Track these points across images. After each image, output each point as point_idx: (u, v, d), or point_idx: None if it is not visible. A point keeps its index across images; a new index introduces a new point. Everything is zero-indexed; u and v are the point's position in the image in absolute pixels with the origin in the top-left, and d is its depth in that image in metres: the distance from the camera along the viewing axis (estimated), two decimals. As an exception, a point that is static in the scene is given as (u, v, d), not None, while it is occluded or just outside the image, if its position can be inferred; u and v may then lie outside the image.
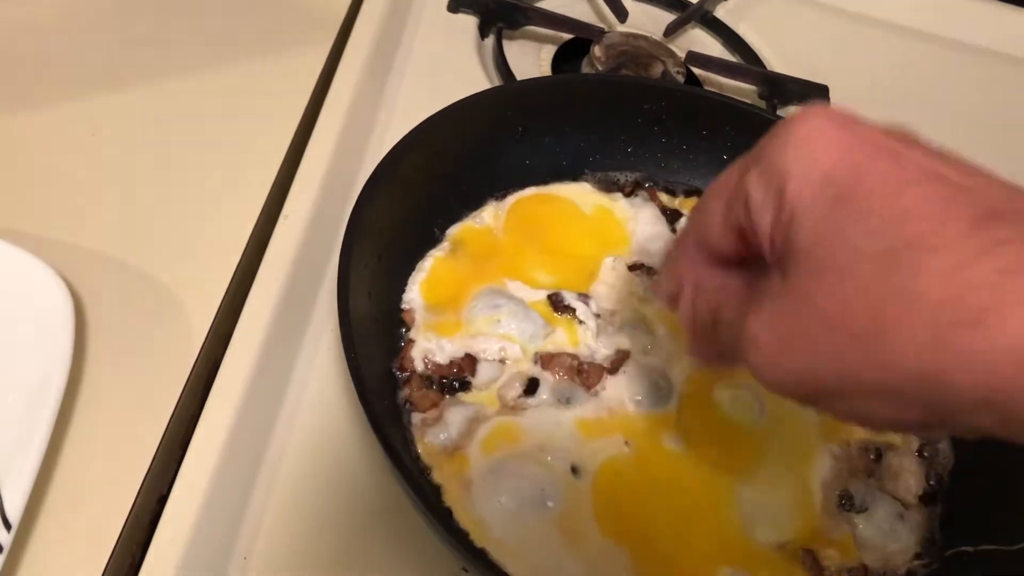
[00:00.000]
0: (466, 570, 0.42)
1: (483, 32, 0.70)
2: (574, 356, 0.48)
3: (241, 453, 0.44)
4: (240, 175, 0.56)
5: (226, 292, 0.51)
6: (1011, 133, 0.77)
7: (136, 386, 0.46)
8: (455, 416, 0.44)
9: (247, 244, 0.53)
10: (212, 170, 0.57)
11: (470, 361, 0.46)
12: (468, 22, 0.71)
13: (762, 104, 0.71)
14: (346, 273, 0.42)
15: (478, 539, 0.40)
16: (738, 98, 0.62)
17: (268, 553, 0.42)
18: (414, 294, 0.49)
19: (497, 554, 0.40)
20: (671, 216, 0.56)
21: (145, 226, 0.53)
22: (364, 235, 0.44)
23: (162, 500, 0.42)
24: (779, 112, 0.70)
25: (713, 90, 0.70)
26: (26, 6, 0.63)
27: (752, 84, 0.72)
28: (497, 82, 0.67)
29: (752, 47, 0.75)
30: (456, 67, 0.68)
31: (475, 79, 0.67)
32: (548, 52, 0.72)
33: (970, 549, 0.44)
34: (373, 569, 0.42)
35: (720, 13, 0.79)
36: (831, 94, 0.72)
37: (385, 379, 0.45)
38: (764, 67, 0.74)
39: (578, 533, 0.42)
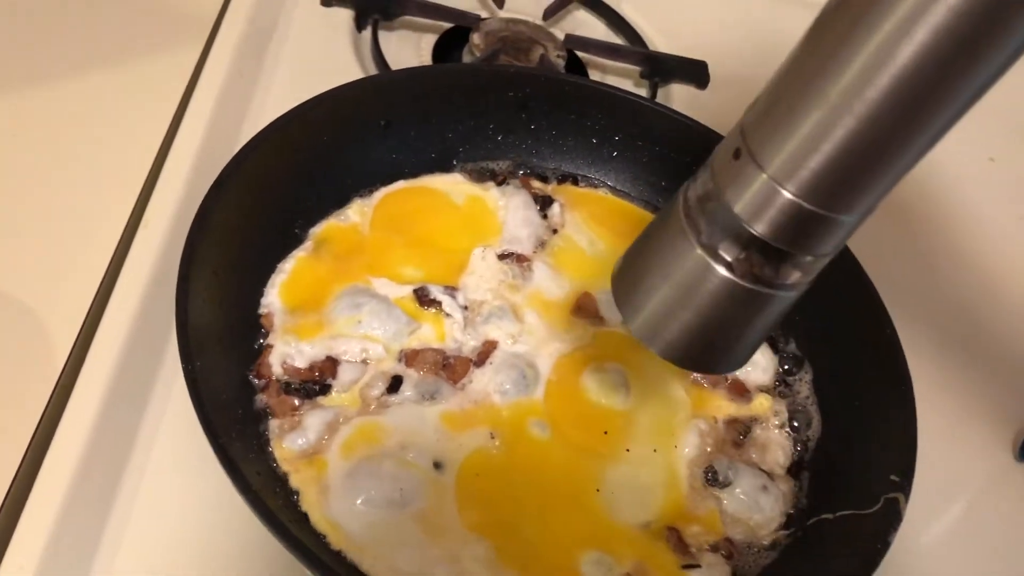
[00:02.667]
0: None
1: (359, 25, 0.70)
2: (439, 351, 0.48)
3: (97, 466, 0.43)
4: (107, 185, 0.55)
5: (88, 312, 0.49)
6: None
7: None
8: (314, 420, 0.44)
9: (110, 261, 0.52)
10: (77, 181, 0.55)
11: (331, 364, 0.46)
12: (343, 16, 0.70)
13: (644, 83, 0.71)
14: (185, 284, 0.41)
15: (335, 542, 0.40)
16: (600, 82, 0.62)
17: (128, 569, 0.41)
18: (272, 297, 0.48)
19: (355, 556, 0.40)
20: (543, 202, 0.56)
21: (7, 246, 0.52)
22: (211, 239, 0.44)
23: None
24: (659, 90, 0.70)
25: (577, 76, 0.70)
26: None
27: (633, 64, 0.72)
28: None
29: (634, 26, 0.75)
30: (331, 63, 0.67)
31: (351, 75, 0.65)
32: (428, 42, 0.71)
33: (830, 516, 0.45)
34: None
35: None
36: (710, 69, 0.72)
37: (241, 387, 0.44)
38: (646, 46, 0.74)
39: (440, 528, 0.42)
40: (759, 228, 0.32)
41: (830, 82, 0.28)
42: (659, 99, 0.70)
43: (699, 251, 0.33)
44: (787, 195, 0.30)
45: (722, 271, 0.33)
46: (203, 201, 0.44)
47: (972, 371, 0.59)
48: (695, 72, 0.72)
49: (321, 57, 0.67)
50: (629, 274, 0.37)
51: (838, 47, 0.28)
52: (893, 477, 0.43)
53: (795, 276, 0.33)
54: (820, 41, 0.29)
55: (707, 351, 0.37)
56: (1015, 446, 0.56)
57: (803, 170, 0.30)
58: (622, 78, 0.72)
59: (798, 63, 0.30)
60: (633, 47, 0.73)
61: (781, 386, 0.52)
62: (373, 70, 0.66)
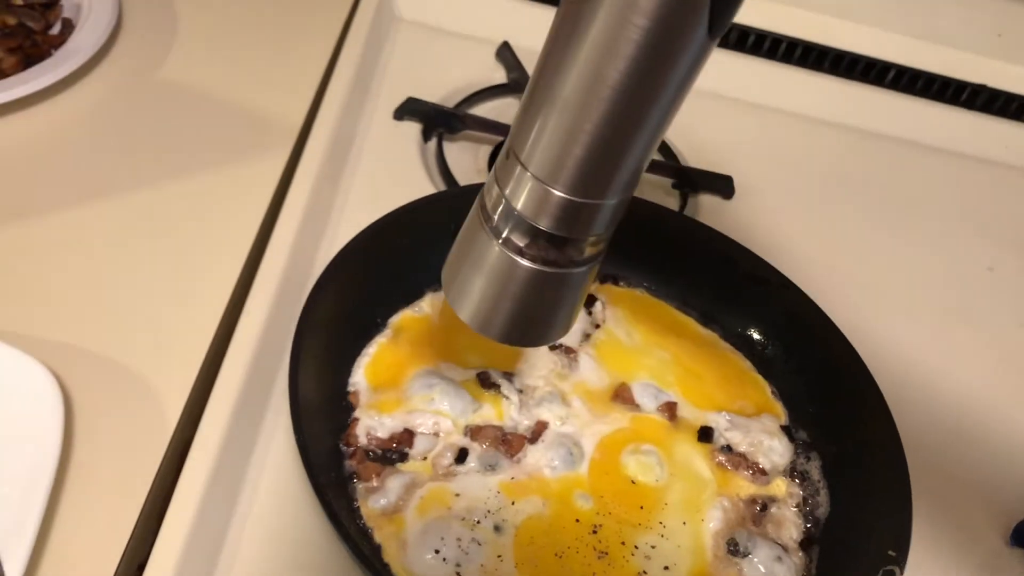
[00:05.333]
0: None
1: (426, 137, 0.79)
2: (499, 428, 0.55)
3: (210, 523, 0.50)
4: (207, 275, 0.63)
5: (195, 381, 0.57)
6: (905, 213, 0.87)
7: (117, 466, 0.52)
8: (394, 484, 0.51)
9: (213, 337, 0.60)
10: (182, 271, 0.63)
11: (408, 435, 0.54)
12: (412, 128, 0.80)
13: (675, 193, 0.80)
14: (296, 366, 0.49)
15: (414, 590, 0.47)
16: (637, 197, 0.71)
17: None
18: (359, 377, 0.56)
19: (430, 604, 0.47)
20: (587, 300, 0.65)
21: (124, 323, 0.59)
22: (312, 331, 0.52)
23: (141, 567, 0.49)
24: (689, 199, 0.79)
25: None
26: (10, 130, 0.70)
27: (665, 176, 0.81)
28: (439, 182, 0.75)
29: (666, 141, 0.85)
30: (402, 169, 0.76)
31: (419, 179, 0.75)
32: (485, 152, 0.81)
33: (836, 584, 0.51)
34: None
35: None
36: (735, 183, 0.81)
37: (333, 454, 0.52)
38: (677, 160, 0.83)
39: (500, 582, 0.49)
40: (542, 223, 0.37)
41: (562, 92, 0.33)
42: (688, 207, 0.78)
43: (498, 247, 0.39)
44: (556, 193, 0.36)
45: (523, 262, 0.38)
46: (308, 296, 0.53)
47: (967, 462, 0.66)
48: (721, 185, 0.81)
49: (393, 164, 0.76)
50: (454, 275, 0.43)
51: (561, 64, 0.33)
52: (891, 552, 0.50)
53: (585, 253, 0.39)
54: (548, 60, 0.34)
55: (533, 328, 0.43)
56: (1007, 531, 0.63)
57: (563, 169, 0.35)
58: (655, 188, 0.81)
59: (537, 77, 0.35)
60: (666, 161, 0.83)
61: (795, 471, 0.59)
62: (437, 176, 0.76)
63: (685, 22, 0.30)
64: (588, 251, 0.39)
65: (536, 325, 0.43)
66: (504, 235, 0.39)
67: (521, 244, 0.38)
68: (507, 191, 0.37)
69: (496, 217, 0.39)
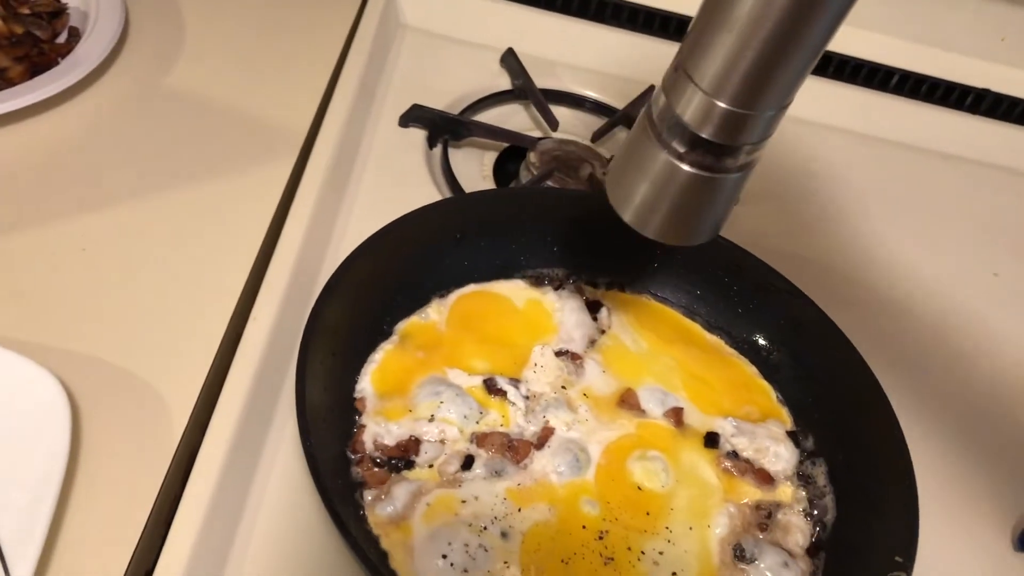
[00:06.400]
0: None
1: (431, 143, 0.79)
2: (505, 435, 0.56)
3: (217, 530, 0.50)
4: (213, 282, 0.63)
5: (202, 388, 0.57)
6: (910, 218, 0.87)
7: (124, 473, 0.53)
8: (400, 491, 0.51)
9: (220, 344, 0.60)
10: (189, 278, 0.63)
11: (414, 442, 0.54)
12: (417, 135, 0.80)
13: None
14: (303, 372, 0.49)
15: (420, 598, 0.47)
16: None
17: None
18: (366, 384, 0.56)
19: (437, 610, 0.47)
20: (593, 306, 0.65)
21: (130, 330, 0.60)
22: (319, 336, 0.52)
23: (148, 574, 0.49)
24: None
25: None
26: (17, 138, 0.71)
27: (671, 182, 0.81)
28: (444, 188, 0.75)
29: (672, 148, 0.85)
30: (407, 175, 0.76)
31: (424, 185, 0.76)
32: (490, 158, 0.81)
33: (843, 590, 0.51)
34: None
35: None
36: (740, 189, 0.81)
37: (340, 460, 0.52)
38: (681, 166, 0.83)
39: (507, 589, 0.49)
40: (705, 132, 0.41)
41: (734, 13, 0.38)
42: (693, 213, 0.78)
43: (664, 153, 0.43)
44: (721, 105, 0.40)
45: (684, 167, 0.43)
46: (315, 303, 0.53)
47: (972, 466, 0.66)
48: (725, 191, 0.81)
49: (399, 170, 0.77)
50: (619, 178, 0.48)
51: None
52: (897, 558, 0.50)
53: (740, 161, 0.44)
54: None
55: (685, 227, 0.48)
56: (1013, 536, 0.63)
57: (729, 83, 0.40)
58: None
59: (708, 2, 0.40)
60: (671, 167, 0.83)
61: (801, 476, 0.59)
62: (443, 183, 0.76)
63: None
64: (742, 159, 0.44)
65: (688, 225, 0.48)
66: (669, 142, 0.43)
67: (683, 151, 0.43)
68: (675, 102, 0.42)
69: (662, 126, 0.43)
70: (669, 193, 0.45)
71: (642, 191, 0.46)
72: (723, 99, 0.40)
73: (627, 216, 0.47)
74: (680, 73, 0.41)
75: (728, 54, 0.39)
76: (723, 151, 0.43)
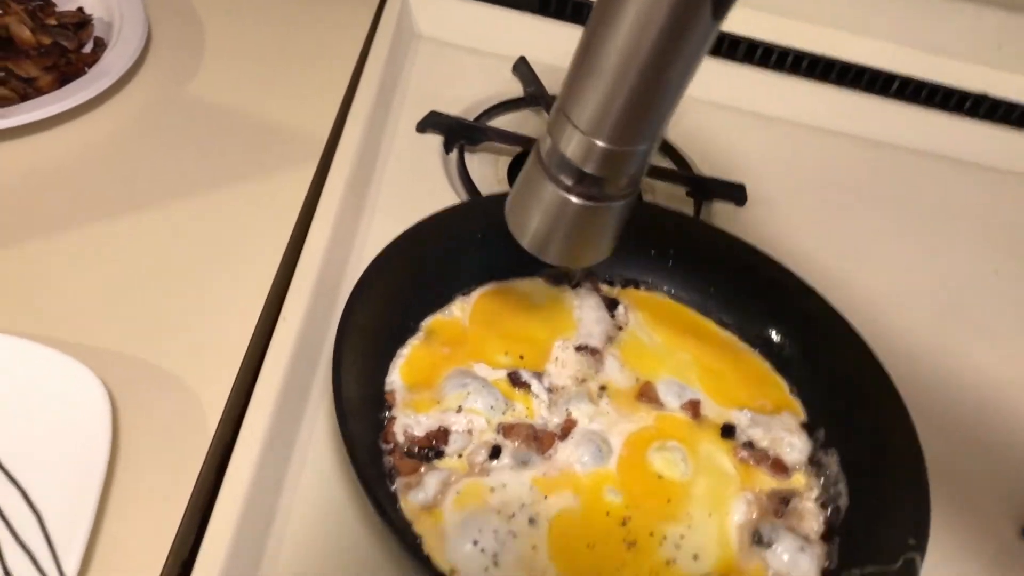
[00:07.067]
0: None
1: (447, 148, 0.81)
2: (530, 425, 0.58)
3: (253, 521, 0.52)
4: (242, 281, 0.65)
5: (233, 384, 0.59)
6: (912, 219, 0.90)
7: (161, 467, 0.54)
8: (431, 479, 0.53)
9: (250, 342, 0.62)
10: (218, 279, 0.65)
11: (443, 433, 0.56)
12: (434, 141, 0.82)
13: (690, 201, 0.82)
14: (339, 367, 0.51)
15: (454, 580, 0.49)
16: (658, 203, 0.73)
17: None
18: (395, 377, 0.58)
19: (470, 593, 0.49)
20: (610, 304, 0.67)
21: (163, 329, 0.62)
22: (352, 335, 0.54)
23: (186, 564, 0.51)
24: (703, 207, 0.81)
25: (646, 195, 0.81)
26: (48, 146, 0.73)
27: (681, 185, 0.83)
28: (461, 191, 0.77)
29: (680, 152, 0.87)
30: (425, 179, 0.79)
31: (442, 189, 0.78)
32: (504, 162, 0.83)
33: (857, 571, 0.53)
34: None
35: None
36: (748, 191, 0.83)
37: (372, 450, 0.54)
38: (690, 169, 0.86)
39: (537, 573, 0.51)
40: (588, 168, 0.46)
41: (602, 64, 0.42)
42: (702, 215, 0.81)
43: (553, 186, 0.49)
44: (599, 144, 0.45)
45: (572, 198, 0.48)
46: (348, 299, 0.55)
47: (979, 458, 0.68)
48: (735, 193, 0.83)
49: (417, 174, 0.79)
50: (516, 209, 0.53)
51: (600, 44, 0.42)
52: (911, 540, 0.52)
53: (624, 190, 0.49)
54: (590, 40, 0.43)
55: (579, 251, 0.53)
56: (1020, 525, 0.65)
57: (604, 125, 0.44)
58: (669, 197, 0.83)
59: (581, 53, 0.44)
60: (680, 171, 0.85)
61: (815, 465, 0.61)
62: (460, 186, 0.78)
63: (696, 11, 0.40)
64: (625, 188, 0.49)
65: (582, 249, 0.53)
66: (558, 177, 0.48)
67: (570, 184, 0.48)
68: (558, 142, 0.47)
69: (550, 162, 0.48)
70: (562, 223, 0.50)
71: (536, 220, 0.51)
72: (600, 138, 0.45)
73: (525, 243, 0.53)
74: (561, 115, 0.46)
75: (600, 99, 0.43)
76: (606, 182, 0.48)
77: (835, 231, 0.85)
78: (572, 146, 0.46)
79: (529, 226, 0.52)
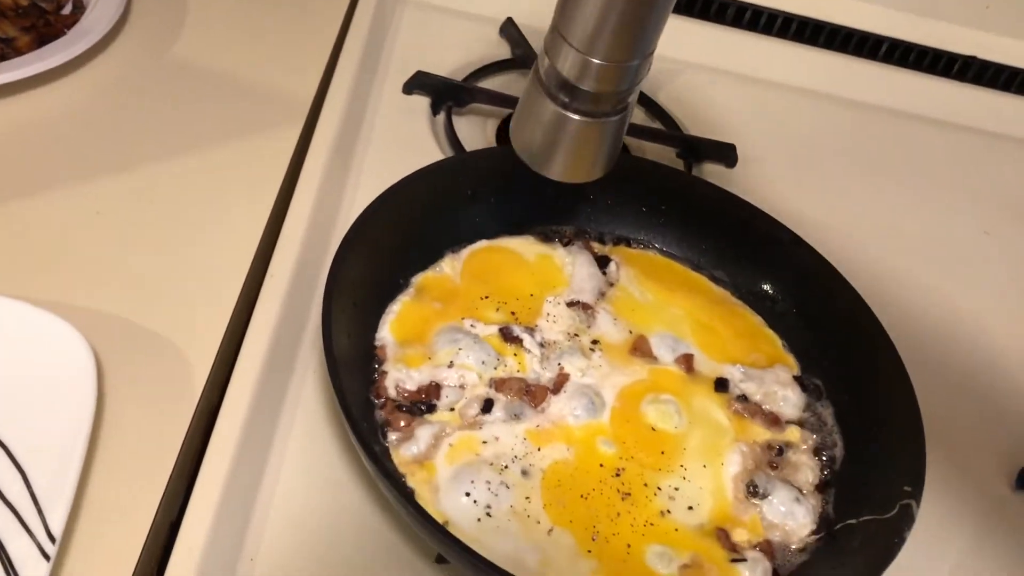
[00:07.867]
0: (438, 561, 0.50)
1: (435, 110, 0.80)
2: (522, 380, 0.57)
3: (242, 478, 0.51)
4: (228, 241, 0.64)
5: (220, 342, 0.58)
6: (902, 181, 0.89)
7: (147, 426, 0.53)
8: (423, 433, 0.53)
9: (237, 300, 0.61)
10: (204, 239, 0.65)
11: (435, 387, 0.55)
12: (422, 102, 0.81)
13: (680, 162, 0.82)
14: (328, 320, 0.50)
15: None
16: (649, 159, 0.73)
17: (272, 556, 0.50)
18: (385, 332, 0.58)
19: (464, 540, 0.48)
20: (601, 261, 0.66)
21: (149, 289, 0.61)
22: (341, 288, 0.53)
23: (176, 525, 0.50)
24: (693, 168, 0.81)
25: (627, 154, 0.81)
26: (27, 106, 0.71)
27: (671, 146, 0.83)
28: (449, 153, 0.76)
29: (669, 113, 0.86)
30: (412, 141, 0.78)
31: (429, 151, 0.77)
32: (492, 125, 0.82)
33: (854, 521, 0.53)
34: (358, 567, 0.50)
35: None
36: (738, 151, 0.83)
37: (364, 405, 0.54)
38: (680, 131, 0.85)
39: (530, 523, 0.50)
40: (584, 84, 0.48)
41: None
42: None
43: (552, 104, 0.51)
44: (594, 60, 0.47)
45: (571, 115, 0.51)
46: (336, 253, 0.54)
47: (972, 411, 0.68)
48: (725, 153, 0.82)
49: (404, 136, 0.78)
50: (519, 130, 0.56)
51: None
52: (906, 487, 0.52)
53: (619, 104, 0.51)
54: None
55: (580, 166, 0.55)
56: (1013, 478, 0.65)
57: (598, 42, 0.46)
58: (660, 158, 0.83)
59: None
60: (670, 131, 0.84)
61: (810, 418, 0.60)
62: (448, 148, 0.77)
63: None
64: (621, 103, 0.51)
65: (582, 164, 0.55)
66: (556, 95, 0.50)
67: (568, 101, 0.50)
68: (555, 61, 0.49)
69: (549, 82, 0.50)
70: (562, 139, 0.52)
71: (539, 138, 0.53)
72: (595, 55, 0.47)
73: (527, 159, 0.55)
74: (556, 35, 0.48)
75: (593, 16, 0.45)
76: (602, 98, 0.50)
77: (826, 194, 0.85)
78: (567, 64, 0.47)
79: (532, 143, 0.54)
